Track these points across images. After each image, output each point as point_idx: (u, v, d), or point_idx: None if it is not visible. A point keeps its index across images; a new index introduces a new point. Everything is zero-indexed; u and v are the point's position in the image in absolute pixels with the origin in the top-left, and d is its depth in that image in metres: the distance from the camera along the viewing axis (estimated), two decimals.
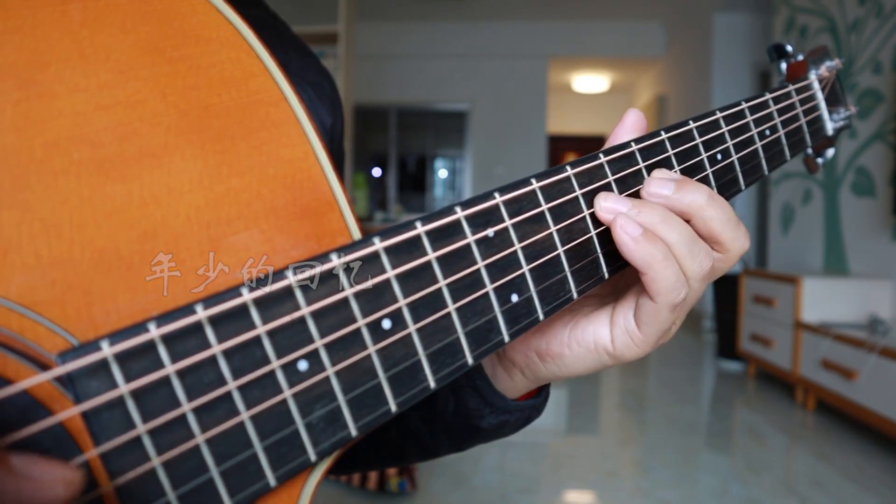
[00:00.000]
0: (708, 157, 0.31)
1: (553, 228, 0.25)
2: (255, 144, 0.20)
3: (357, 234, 0.22)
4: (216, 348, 0.18)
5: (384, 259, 0.21)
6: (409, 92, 5.12)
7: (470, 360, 0.23)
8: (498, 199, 0.24)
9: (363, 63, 4.82)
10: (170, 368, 0.17)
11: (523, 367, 0.32)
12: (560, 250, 0.25)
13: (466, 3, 4.50)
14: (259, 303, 0.18)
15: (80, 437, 0.17)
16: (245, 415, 0.18)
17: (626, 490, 1.61)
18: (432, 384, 0.22)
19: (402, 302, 0.21)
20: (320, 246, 0.21)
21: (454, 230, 0.22)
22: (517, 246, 0.24)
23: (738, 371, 2.91)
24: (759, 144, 0.34)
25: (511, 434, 0.36)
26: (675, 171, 0.29)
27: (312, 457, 0.19)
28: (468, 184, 5.21)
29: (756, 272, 2.70)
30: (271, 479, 0.19)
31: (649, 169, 0.28)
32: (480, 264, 0.23)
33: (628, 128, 0.30)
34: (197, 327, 0.17)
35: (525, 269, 0.24)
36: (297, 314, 0.19)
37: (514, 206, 0.24)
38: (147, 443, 0.17)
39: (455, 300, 0.22)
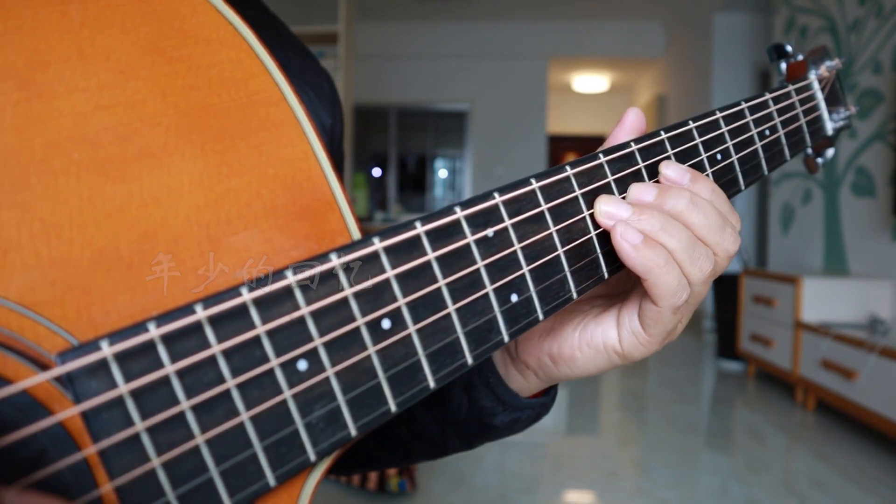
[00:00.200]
0: (708, 157, 0.31)
1: (553, 228, 0.25)
2: (254, 145, 0.20)
3: (357, 235, 0.22)
4: (216, 348, 0.18)
5: (384, 259, 0.21)
6: (409, 92, 5.12)
7: (469, 360, 0.23)
8: (497, 199, 0.24)
9: (363, 63, 4.82)
10: (169, 368, 0.17)
11: (536, 369, 0.32)
12: (560, 250, 0.25)
13: (466, 3, 4.50)
14: (259, 303, 0.18)
15: (79, 437, 0.17)
16: (245, 415, 0.18)
17: (626, 490, 1.61)
18: (432, 384, 0.22)
19: (401, 302, 0.21)
20: (320, 246, 0.21)
21: (454, 230, 0.22)
22: (517, 246, 0.24)
23: (738, 371, 2.91)
24: (758, 144, 0.34)
25: (521, 431, 0.37)
26: None
27: (312, 457, 0.19)
28: (468, 184, 5.21)
29: (756, 272, 2.70)
30: (271, 479, 0.19)
31: (649, 169, 0.28)
32: (480, 264, 0.23)
33: (628, 128, 0.30)
34: (196, 327, 0.17)
35: (525, 269, 0.24)
36: (296, 314, 0.19)
37: (514, 206, 0.24)
38: (146, 443, 0.17)
39: (455, 300, 0.22)
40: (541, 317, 0.25)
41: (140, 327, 0.17)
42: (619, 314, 0.29)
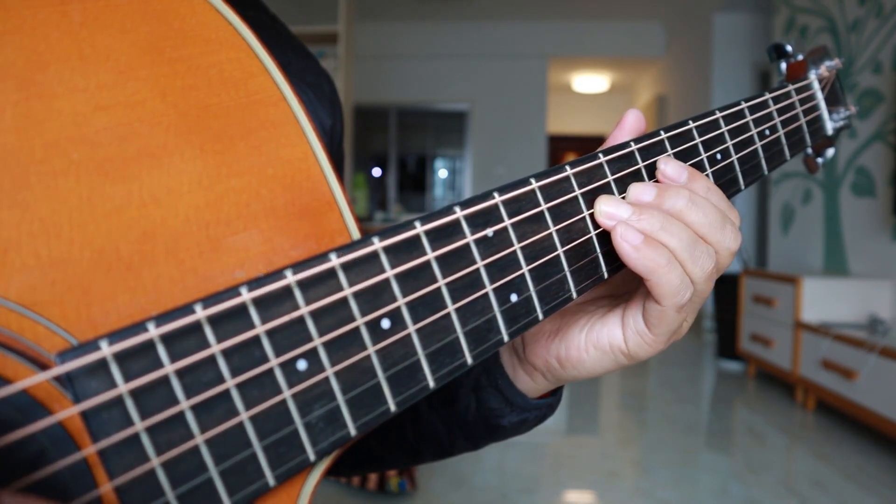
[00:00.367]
0: (707, 156, 0.31)
1: (552, 228, 0.25)
2: (254, 145, 0.20)
3: (356, 234, 0.22)
4: (215, 348, 0.18)
5: (383, 259, 0.21)
6: (409, 92, 5.12)
7: (469, 360, 0.23)
8: (497, 198, 0.24)
9: (363, 63, 4.82)
10: (169, 368, 0.17)
11: (544, 371, 0.32)
12: (559, 250, 0.25)
13: (466, 3, 4.50)
14: (258, 302, 0.18)
15: (79, 437, 0.17)
16: (244, 414, 0.18)
17: (626, 490, 1.61)
18: (431, 384, 0.22)
19: (401, 302, 0.21)
20: (319, 246, 0.21)
21: (453, 230, 0.22)
22: (516, 246, 0.24)
23: (738, 371, 2.91)
24: (758, 144, 0.34)
25: (527, 431, 0.37)
26: None
27: (311, 456, 0.19)
28: (468, 184, 5.21)
29: (756, 272, 2.70)
30: (270, 479, 0.19)
31: (649, 169, 0.28)
32: (480, 264, 0.23)
33: (628, 128, 0.30)
34: (196, 327, 0.17)
35: (524, 268, 0.24)
36: (296, 314, 0.19)
37: (514, 206, 0.24)
38: (146, 442, 0.17)
39: (454, 300, 0.22)
40: (540, 316, 0.25)
41: (139, 327, 0.17)
42: (623, 314, 0.29)
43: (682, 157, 0.30)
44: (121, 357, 0.16)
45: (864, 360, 1.87)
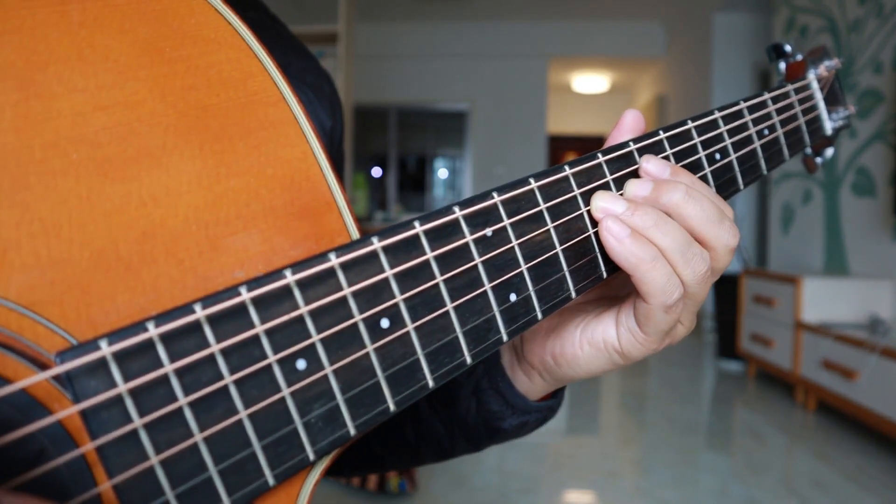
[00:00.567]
0: (706, 156, 0.31)
1: (551, 228, 0.25)
2: (253, 144, 0.20)
3: (355, 234, 0.22)
4: (214, 347, 0.18)
5: (382, 258, 0.21)
6: (409, 92, 5.12)
7: (468, 360, 0.23)
8: (496, 198, 0.24)
9: (363, 63, 4.82)
10: (168, 367, 0.17)
11: (541, 370, 0.32)
12: (558, 250, 0.25)
13: (466, 3, 4.50)
14: (257, 302, 0.18)
15: (78, 436, 0.17)
16: (243, 413, 0.18)
17: (626, 490, 1.61)
18: (430, 383, 0.22)
19: (400, 301, 0.21)
20: (319, 246, 0.21)
21: (452, 230, 0.22)
22: (515, 245, 0.24)
23: (739, 371, 2.91)
24: (757, 144, 0.34)
25: (528, 433, 0.37)
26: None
27: (311, 456, 0.19)
28: (468, 184, 5.21)
29: (756, 272, 2.70)
30: (270, 478, 0.19)
31: None
32: (479, 264, 0.23)
33: (626, 128, 0.30)
34: (195, 326, 0.17)
35: (523, 268, 0.24)
36: (295, 313, 0.19)
37: (513, 206, 0.24)
38: (145, 441, 0.17)
39: (453, 299, 0.22)
40: (539, 316, 0.25)
41: (139, 327, 0.17)
42: (618, 313, 0.29)
43: (680, 156, 0.30)
44: (120, 356, 0.16)
45: (865, 360, 1.87)
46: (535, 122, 5.04)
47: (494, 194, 0.24)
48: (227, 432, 0.18)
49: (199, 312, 0.17)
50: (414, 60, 5.03)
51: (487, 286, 0.23)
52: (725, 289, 3.00)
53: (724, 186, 0.32)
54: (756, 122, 0.34)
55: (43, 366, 0.17)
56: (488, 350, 0.23)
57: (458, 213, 0.22)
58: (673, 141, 0.30)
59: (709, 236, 0.27)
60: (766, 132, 0.35)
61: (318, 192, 0.21)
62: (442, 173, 5.74)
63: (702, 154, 0.31)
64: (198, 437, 0.17)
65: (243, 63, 0.20)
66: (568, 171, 0.26)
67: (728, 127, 0.32)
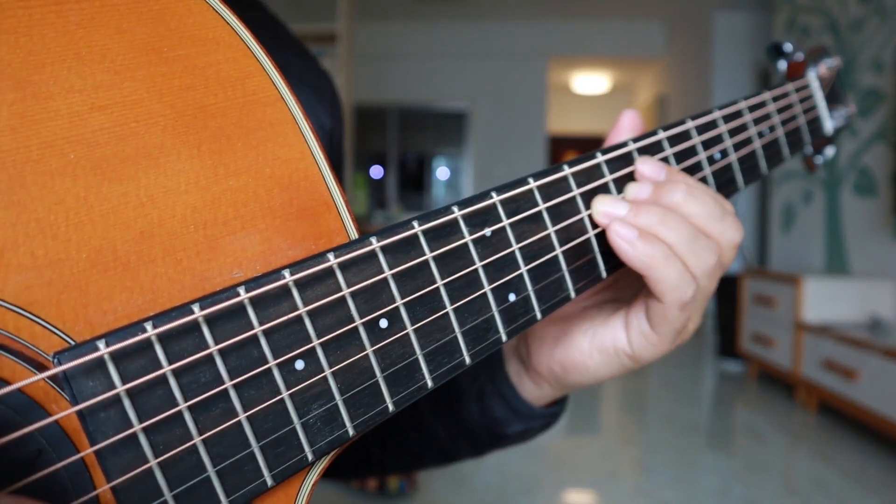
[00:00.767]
0: (706, 156, 0.31)
1: (550, 228, 0.25)
2: (251, 144, 0.20)
3: (354, 234, 0.22)
4: (213, 348, 0.18)
5: (381, 258, 0.21)
6: (409, 92, 5.12)
7: (467, 360, 0.23)
8: (495, 198, 0.24)
9: (363, 63, 4.82)
10: (166, 368, 0.17)
11: (550, 378, 0.32)
12: (557, 250, 0.25)
13: (466, 3, 4.50)
14: (256, 302, 0.18)
15: (76, 437, 0.17)
16: (242, 414, 0.18)
17: (627, 490, 1.61)
18: (429, 383, 0.22)
19: (399, 301, 0.21)
20: (318, 246, 0.21)
21: (451, 229, 0.22)
22: (514, 245, 0.24)
23: (739, 371, 2.91)
24: (757, 144, 0.34)
25: (531, 439, 0.37)
26: None
27: (310, 456, 0.19)
28: (468, 184, 5.21)
29: (757, 272, 2.70)
30: (268, 479, 0.19)
31: None
32: (478, 264, 0.23)
33: (624, 129, 0.30)
34: (193, 327, 0.17)
35: (522, 268, 0.24)
36: (294, 314, 0.19)
37: (512, 206, 0.24)
38: (143, 443, 0.17)
39: (452, 300, 0.22)
40: (539, 316, 0.25)
41: (137, 327, 0.17)
42: (627, 316, 0.29)
43: (680, 156, 0.30)
44: (118, 357, 0.16)
45: (866, 360, 1.87)
46: (535, 122, 5.03)
47: (493, 194, 0.24)
48: (226, 433, 0.18)
49: (198, 313, 0.17)
50: (414, 60, 5.02)
51: (486, 286, 0.23)
52: (726, 289, 3.00)
53: (724, 186, 0.32)
54: (756, 121, 0.34)
55: (40, 366, 0.17)
56: (487, 350, 0.23)
57: (456, 212, 0.22)
58: (672, 140, 0.30)
59: (713, 232, 0.26)
60: (767, 132, 0.35)
61: (316, 192, 0.21)
62: (442, 173, 5.74)
63: (701, 154, 0.31)
64: (196, 438, 0.17)
65: (241, 63, 0.20)
66: (567, 170, 0.26)
67: (728, 126, 0.32)
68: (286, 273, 0.19)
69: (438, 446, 0.39)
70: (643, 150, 0.28)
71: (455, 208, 0.22)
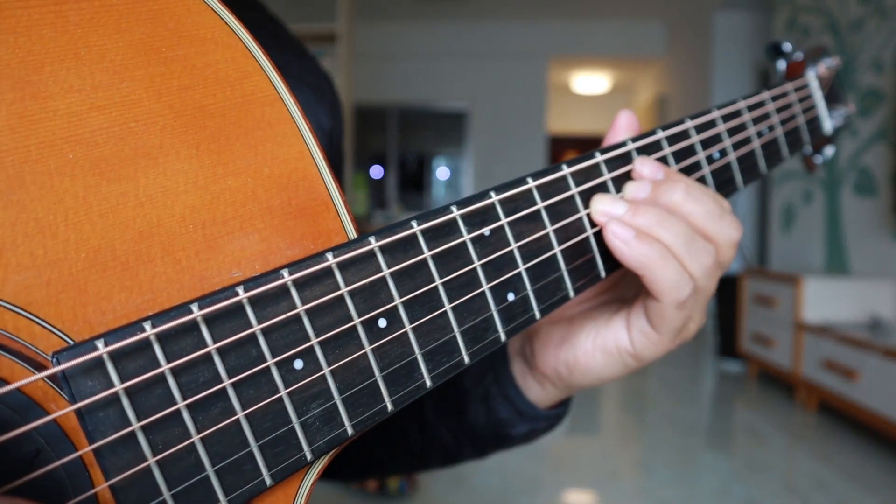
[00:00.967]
0: (705, 155, 0.31)
1: (549, 227, 0.25)
2: (250, 144, 0.20)
3: (353, 234, 0.22)
4: (211, 347, 0.18)
5: (380, 258, 0.21)
6: (409, 92, 5.12)
7: (466, 359, 0.23)
8: (494, 198, 0.24)
9: (363, 63, 4.82)
10: (165, 367, 0.17)
11: (555, 379, 0.32)
12: (556, 249, 0.25)
13: (466, 3, 4.50)
14: (254, 301, 0.18)
15: (75, 437, 0.17)
16: (240, 413, 0.18)
17: (627, 490, 1.61)
18: (428, 383, 0.22)
19: (397, 301, 0.21)
20: (316, 246, 0.21)
21: (450, 229, 0.22)
22: (513, 245, 0.24)
23: (739, 371, 2.91)
24: (756, 143, 0.34)
25: (535, 440, 0.37)
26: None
27: (308, 455, 0.19)
28: (468, 184, 5.21)
29: (757, 272, 2.70)
30: (267, 478, 0.19)
31: None
32: (476, 263, 0.23)
33: (621, 129, 0.30)
34: (192, 326, 0.17)
35: (521, 267, 0.24)
36: (292, 313, 0.19)
37: (511, 205, 0.24)
38: (142, 441, 0.17)
39: (451, 299, 0.22)
40: (538, 315, 0.25)
41: (135, 326, 0.17)
42: (628, 316, 0.29)
43: (679, 156, 0.30)
44: (117, 356, 0.16)
45: (866, 360, 1.87)
46: (535, 122, 5.03)
47: (492, 193, 0.24)
48: (224, 432, 0.18)
49: (196, 312, 0.17)
50: (414, 60, 5.03)
51: (485, 286, 0.23)
52: (726, 289, 3.00)
53: (724, 185, 0.32)
54: (755, 120, 0.34)
55: (39, 366, 0.17)
56: (486, 350, 0.23)
57: (455, 212, 0.22)
58: (671, 140, 0.30)
59: (712, 231, 0.26)
60: (766, 131, 0.35)
61: (315, 192, 0.21)
62: (442, 173, 5.74)
63: (700, 153, 0.31)
64: (195, 436, 0.17)
65: (240, 63, 0.20)
66: (566, 170, 0.26)
67: (727, 126, 0.32)
68: (285, 272, 0.19)
69: (442, 447, 0.39)
70: (642, 150, 0.28)
71: (454, 208, 0.23)
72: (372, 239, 0.21)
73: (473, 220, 0.23)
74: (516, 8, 4.61)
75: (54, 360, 0.16)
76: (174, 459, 0.17)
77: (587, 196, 0.26)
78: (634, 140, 0.28)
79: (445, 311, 0.22)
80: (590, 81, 5.94)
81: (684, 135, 0.30)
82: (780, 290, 2.44)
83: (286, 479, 0.19)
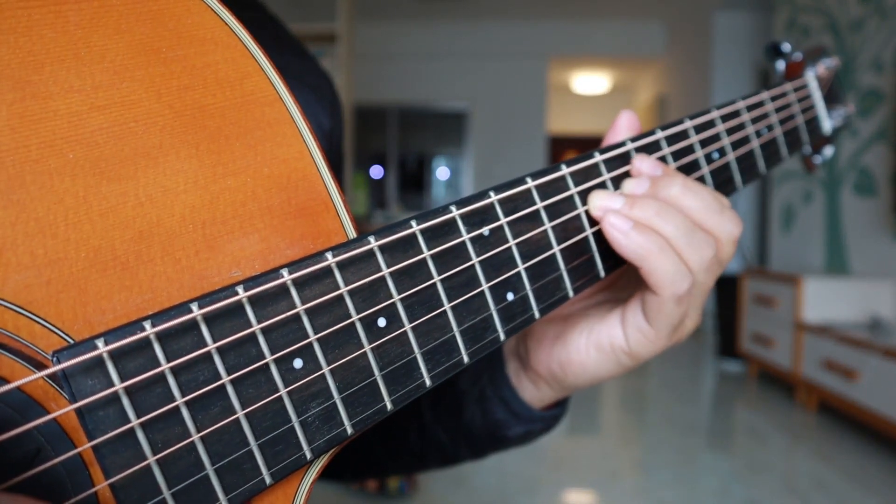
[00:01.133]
0: (704, 155, 0.31)
1: (548, 227, 0.25)
2: (250, 144, 0.20)
3: (352, 234, 0.22)
4: (211, 346, 0.18)
5: (379, 258, 0.21)
6: (409, 92, 5.12)
7: (465, 359, 0.23)
8: (493, 197, 0.24)
9: (363, 63, 4.83)
10: (165, 366, 0.17)
11: (548, 378, 0.32)
12: (555, 249, 0.25)
13: (466, 3, 4.50)
14: (254, 301, 0.18)
15: (75, 435, 0.17)
16: (240, 412, 0.18)
17: (627, 490, 1.61)
18: (428, 382, 0.22)
19: (397, 300, 0.21)
20: (316, 245, 0.21)
21: (449, 229, 0.22)
22: (512, 244, 0.24)
23: (739, 371, 2.91)
24: (755, 143, 0.34)
25: (532, 441, 0.36)
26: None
27: (308, 454, 0.19)
28: (468, 184, 5.21)
29: (757, 272, 2.70)
30: (266, 477, 0.19)
31: None
32: (476, 263, 0.23)
33: (622, 129, 0.30)
34: (192, 325, 0.17)
35: (520, 267, 0.24)
36: (292, 312, 0.19)
37: (510, 205, 0.24)
38: (142, 440, 0.17)
39: (450, 299, 0.22)
40: (537, 315, 0.25)
41: (135, 326, 0.17)
42: (623, 312, 0.28)
43: (678, 155, 0.30)
44: (117, 355, 0.16)
45: (866, 360, 1.87)
46: (535, 122, 5.04)
47: (491, 193, 0.24)
48: (224, 431, 0.18)
49: (196, 311, 0.17)
50: (414, 60, 5.03)
51: (484, 285, 0.23)
52: (726, 289, 3.00)
53: (723, 185, 0.32)
54: (754, 120, 0.34)
55: (39, 365, 0.17)
56: (485, 349, 0.23)
57: (454, 212, 0.23)
58: (670, 140, 0.30)
59: (711, 226, 0.26)
60: (765, 131, 0.35)
61: (314, 192, 0.21)
62: (442, 173, 5.74)
63: (699, 152, 0.31)
64: (195, 435, 0.17)
65: (239, 63, 0.20)
66: (565, 170, 0.26)
67: (726, 126, 0.32)
68: (284, 272, 0.19)
69: (439, 449, 0.39)
70: (641, 150, 0.29)
71: (453, 207, 0.23)
72: (371, 238, 0.21)
73: (473, 220, 0.23)
74: (516, 8, 4.61)
75: (54, 359, 0.16)
76: (174, 458, 0.17)
77: (586, 196, 0.26)
78: (633, 140, 0.28)
79: (445, 311, 0.22)
80: (590, 81, 5.94)
81: (683, 135, 0.30)
82: (780, 290, 2.44)
83: (286, 478, 0.19)
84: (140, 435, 0.17)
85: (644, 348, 0.28)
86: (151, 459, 0.17)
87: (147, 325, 0.17)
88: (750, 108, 0.34)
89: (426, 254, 0.22)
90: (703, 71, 4.04)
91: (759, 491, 1.59)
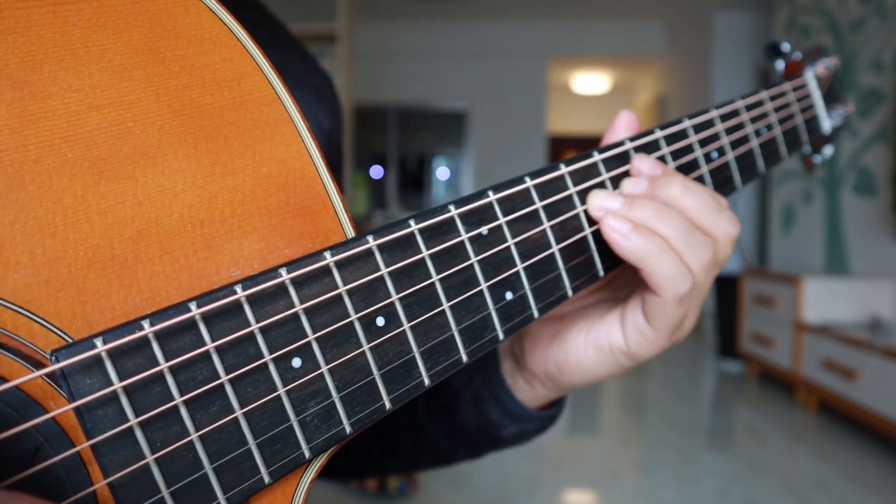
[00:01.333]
0: (703, 155, 0.31)
1: (547, 226, 0.25)
2: (248, 143, 0.20)
3: (351, 233, 0.22)
4: (210, 345, 0.18)
5: (378, 257, 0.21)
6: (409, 92, 5.12)
7: (464, 358, 0.23)
8: (492, 197, 0.24)
9: (363, 63, 4.83)
10: (163, 365, 0.17)
11: (544, 378, 0.32)
12: (554, 248, 0.25)
13: (466, 3, 4.50)
14: (253, 300, 0.18)
15: (74, 435, 0.17)
16: (239, 411, 0.18)
17: (627, 490, 1.61)
18: (426, 381, 0.22)
19: (395, 299, 0.21)
20: (314, 244, 0.21)
21: (448, 228, 0.22)
22: (511, 244, 0.24)
23: (739, 371, 2.91)
24: (755, 142, 0.34)
25: (528, 441, 0.36)
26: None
27: (307, 453, 0.19)
28: (468, 184, 5.21)
29: (757, 272, 2.70)
30: (265, 476, 0.19)
31: None
32: (474, 262, 0.23)
33: (621, 129, 0.30)
34: (191, 324, 0.17)
35: (519, 266, 0.24)
36: (290, 311, 0.19)
37: (509, 205, 0.24)
38: (140, 439, 0.17)
39: (449, 298, 0.22)
40: (536, 314, 0.25)
41: (134, 325, 0.17)
42: (623, 312, 0.28)
43: (677, 155, 0.30)
44: (115, 354, 0.16)
45: (866, 360, 1.87)
46: (535, 122, 5.04)
47: (490, 193, 0.24)
48: (223, 430, 0.18)
49: (195, 311, 0.17)
50: (414, 60, 5.03)
51: (483, 284, 0.23)
52: (726, 289, 3.00)
53: (722, 185, 0.32)
54: (753, 120, 0.34)
55: (38, 364, 0.17)
56: (484, 348, 0.23)
57: (453, 211, 0.23)
58: (669, 139, 0.30)
59: (709, 226, 0.26)
60: (764, 131, 0.35)
61: (313, 191, 0.21)
62: (442, 173, 5.74)
63: (698, 151, 0.31)
64: (193, 434, 0.17)
65: (238, 63, 0.20)
66: (564, 169, 0.26)
67: (725, 125, 0.32)
68: (283, 271, 0.19)
69: (435, 448, 0.39)
70: (640, 149, 0.29)
71: (451, 207, 0.23)
72: (370, 238, 0.21)
73: (471, 220, 0.23)
74: (516, 8, 4.61)
75: (53, 358, 0.16)
76: (172, 457, 0.17)
77: (585, 195, 0.26)
78: (632, 139, 0.28)
79: (443, 310, 0.22)
80: (590, 81, 5.94)
81: (682, 134, 0.30)
82: (780, 290, 2.44)
83: (284, 477, 0.19)
84: (139, 434, 0.17)
85: (643, 348, 0.28)
86: (150, 458, 0.17)
87: (146, 324, 0.17)
88: (749, 108, 0.34)
89: (425, 253, 0.22)
90: (703, 71, 4.04)
91: (759, 491, 1.59)
